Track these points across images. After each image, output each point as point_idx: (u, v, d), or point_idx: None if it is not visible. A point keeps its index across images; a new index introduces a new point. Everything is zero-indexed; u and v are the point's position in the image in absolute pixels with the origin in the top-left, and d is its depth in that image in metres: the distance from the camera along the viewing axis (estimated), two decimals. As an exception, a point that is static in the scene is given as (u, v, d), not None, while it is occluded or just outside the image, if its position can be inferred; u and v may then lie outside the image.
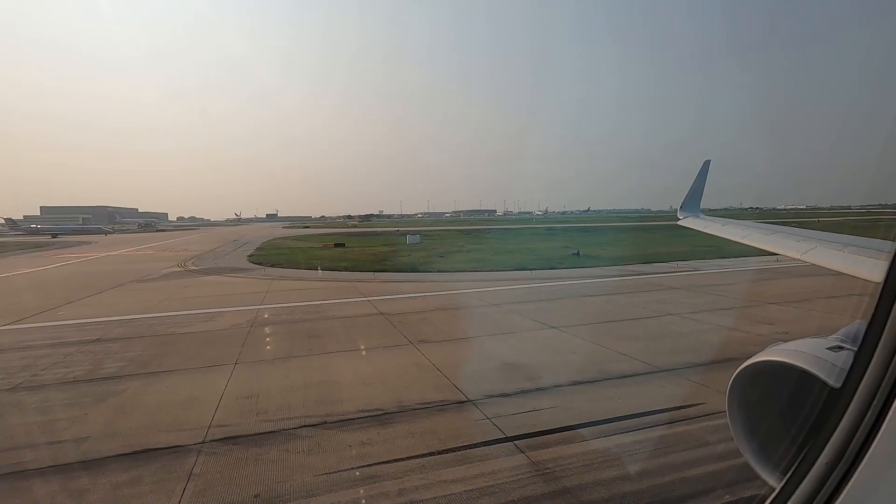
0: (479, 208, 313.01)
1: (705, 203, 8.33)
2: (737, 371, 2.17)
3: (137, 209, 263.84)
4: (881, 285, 1.28)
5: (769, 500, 1.50)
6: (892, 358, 1.21)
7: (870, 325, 1.28)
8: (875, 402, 1.22)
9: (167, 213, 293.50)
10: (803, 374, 1.81)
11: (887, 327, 1.22)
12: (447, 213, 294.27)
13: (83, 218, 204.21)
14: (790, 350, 1.99)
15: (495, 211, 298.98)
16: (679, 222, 8.00)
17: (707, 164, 8.63)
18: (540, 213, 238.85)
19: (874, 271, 3.04)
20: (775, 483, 1.74)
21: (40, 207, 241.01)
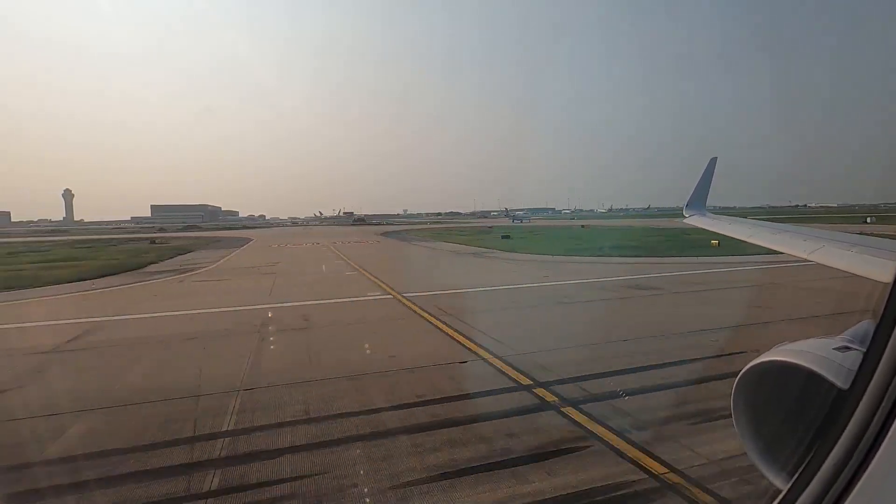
0: (542, 206, 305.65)
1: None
2: (742, 371, 2.15)
3: (221, 207, 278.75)
4: (890, 285, 1.26)
5: (776, 502, 1.49)
6: None
7: (878, 325, 1.27)
8: (884, 403, 1.20)
9: (238, 212, 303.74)
10: (810, 374, 1.79)
11: None
12: (519, 210, 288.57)
13: (201, 216, 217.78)
14: (796, 350, 1.97)
15: (555, 208, 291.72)
16: (685, 221, 7.93)
17: (713, 161, 8.54)
18: (604, 210, 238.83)
19: (883, 271, 3.00)
20: (782, 485, 1.72)
21: (151, 206, 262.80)
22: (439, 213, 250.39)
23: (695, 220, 7.46)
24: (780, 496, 1.48)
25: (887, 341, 1.22)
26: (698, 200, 8.17)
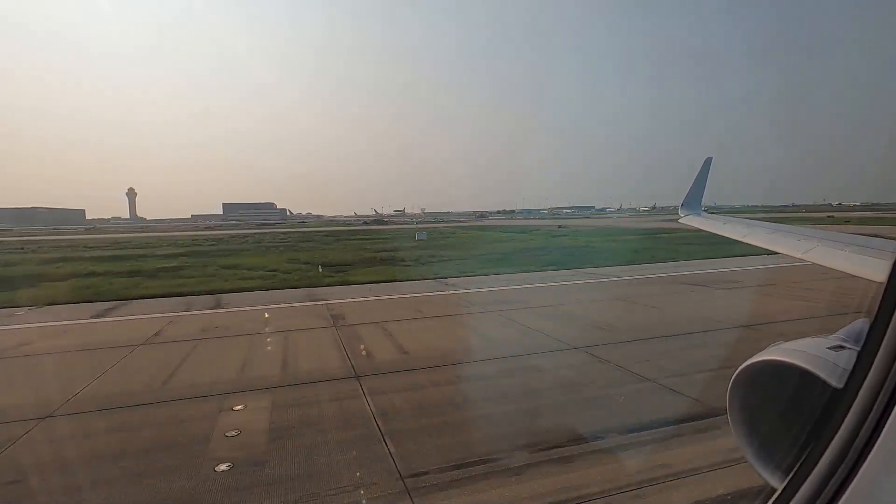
0: (582, 205, 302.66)
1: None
2: (737, 371, 2.16)
3: (275, 204, 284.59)
4: (884, 284, 1.27)
5: (771, 501, 1.49)
6: (894, 358, 1.20)
7: (872, 324, 1.27)
8: (878, 402, 1.21)
9: (286, 209, 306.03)
10: (804, 373, 1.80)
11: (890, 327, 1.21)
12: (566, 208, 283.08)
13: (280, 213, 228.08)
14: (791, 350, 1.97)
15: (594, 206, 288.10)
16: (680, 220, 7.97)
17: (709, 161, 8.60)
18: (647, 208, 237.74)
19: (876, 270, 3.02)
20: (777, 483, 1.73)
21: (223, 204, 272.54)
22: (500, 211, 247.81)
23: (690, 220, 7.50)
24: (776, 495, 1.49)
25: (881, 340, 1.23)
26: (694, 200, 8.23)
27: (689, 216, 7.67)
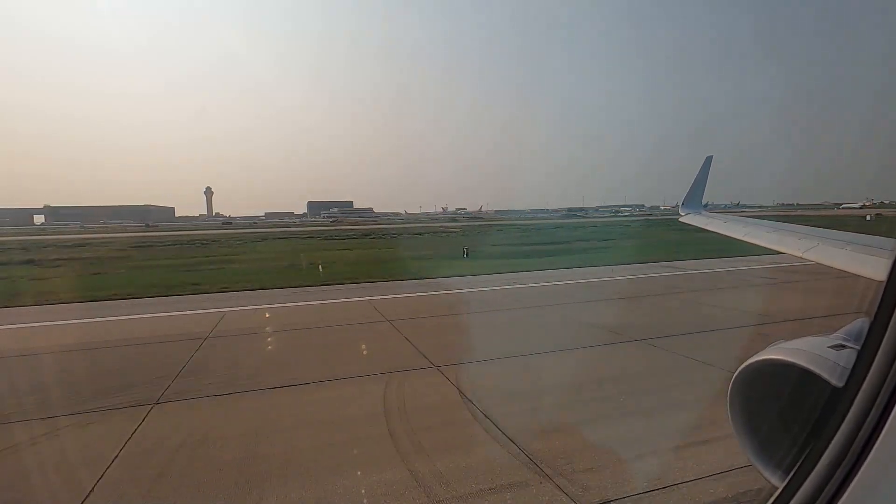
0: (622, 203, 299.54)
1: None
2: (738, 370, 2.16)
3: (353, 202, 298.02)
4: (884, 283, 1.27)
5: (772, 500, 1.49)
6: (894, 356, 1.20)
7: (872, 323, 1.27)
8: (878, 400, 1.21)
9: (371, 208, 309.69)
10: (805, 372, 1.80)
11: (890, 325, 1.21)
12: (625, 206, 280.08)
13: (372, 211, 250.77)
14: (792, 349, 1.98)
15: (644, 205, 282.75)
16: (681, 219, 7.98)
17: (709, 160, 8.61)
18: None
19: (876, 269, 3.03)
20: (778, 482, 1.73)
21: (308, 203, 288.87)
22: (569, 209, 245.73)
23: (690, 219, 7.50)
24: (776, 494, 1.49)
25: (881, 339, 1.23)
26: (694, 199, 8.24)
27: (690, 215, 7.68)
